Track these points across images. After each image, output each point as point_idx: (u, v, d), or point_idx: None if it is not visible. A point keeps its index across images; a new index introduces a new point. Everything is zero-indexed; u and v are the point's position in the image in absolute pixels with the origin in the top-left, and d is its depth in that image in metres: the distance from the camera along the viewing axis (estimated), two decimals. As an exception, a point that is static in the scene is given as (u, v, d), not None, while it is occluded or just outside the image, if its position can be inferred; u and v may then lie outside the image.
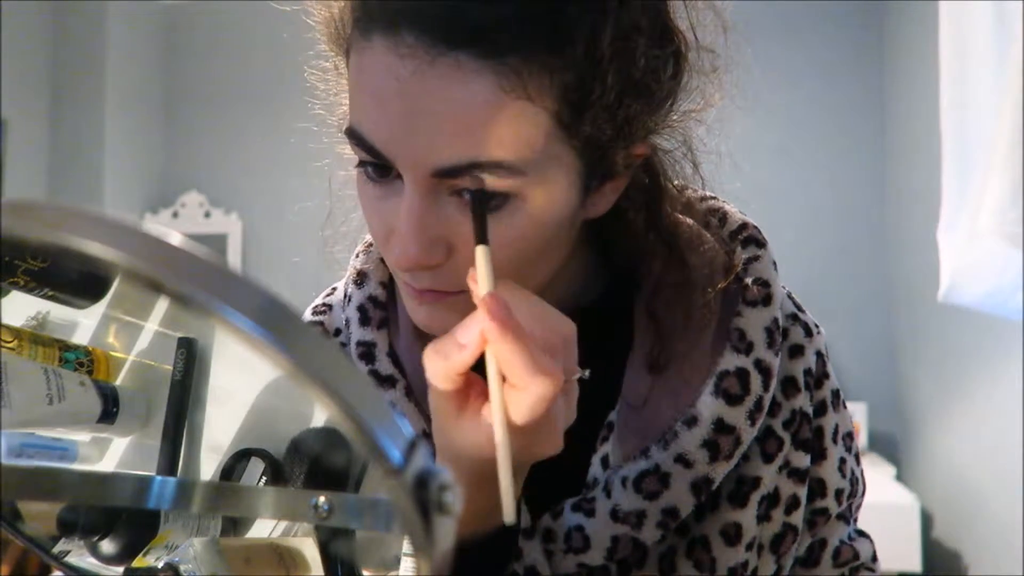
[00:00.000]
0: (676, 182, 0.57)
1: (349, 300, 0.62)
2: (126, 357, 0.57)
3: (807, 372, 0.58)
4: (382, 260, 0.61)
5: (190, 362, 0.55)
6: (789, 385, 0.58)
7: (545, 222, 0.46)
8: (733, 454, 0.54)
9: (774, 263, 0.59)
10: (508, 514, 0.40)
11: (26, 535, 0.49)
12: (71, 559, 0.51)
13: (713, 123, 0.53)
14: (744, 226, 0.60)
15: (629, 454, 0.54)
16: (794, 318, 0.60)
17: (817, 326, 0.61)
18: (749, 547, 0.56)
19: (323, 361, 0.23)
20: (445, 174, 0.44)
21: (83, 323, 0.58)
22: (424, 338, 0.56)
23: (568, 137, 0.45)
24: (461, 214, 0.45)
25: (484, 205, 0.44)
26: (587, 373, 0.44)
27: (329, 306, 0.65)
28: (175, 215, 3.15)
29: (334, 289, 0.67)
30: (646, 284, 0.58)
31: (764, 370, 0.55)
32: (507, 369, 0.40)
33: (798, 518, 0.58)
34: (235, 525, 0.54)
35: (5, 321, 0.53)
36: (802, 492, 0.58)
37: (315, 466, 0.49)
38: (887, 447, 2.76)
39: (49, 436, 0.54)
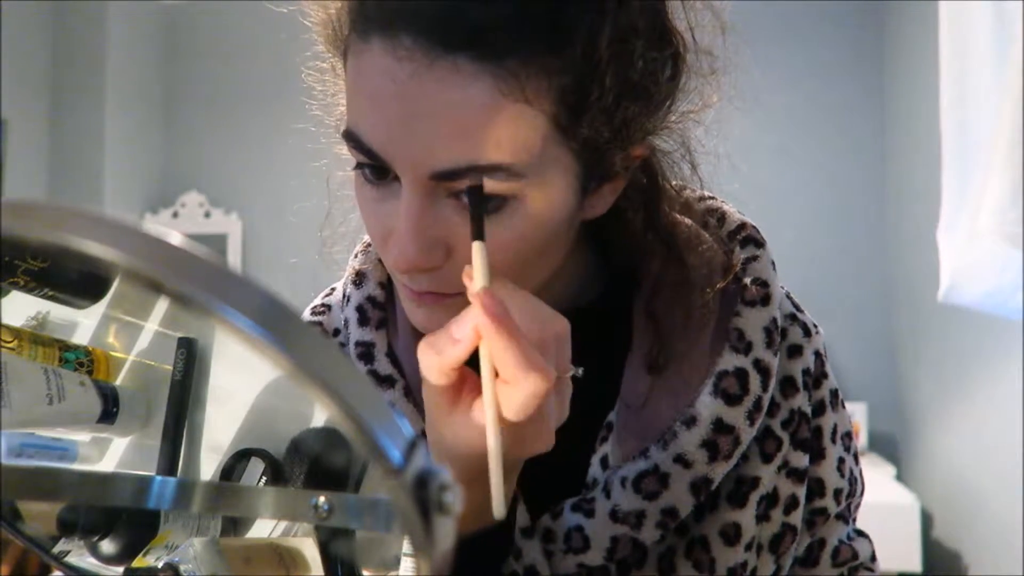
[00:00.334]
0: (674, 182, 0.57)
1: (348, 300, 0.62)
2: (126, 357, 0.58)
3: (806, 372, 0.59)
4: (380, 260, 0.61)
5: (190, 362, 0.55)
6: (788, 385, 0.58)
7: (543, 224, 0.46)
8: (732, 454, 0.54)
9: (773, 263, 0.59)
10: (497, 508, 0.40)
11: (26, 535, 0.49)
12: (71, 559, 0.51)
13: (712, 124, 0.53)
14: (743, 226, 0.60)
15: (628, 454, 0.54)
16: (793, 318, 0.60)
17: (816, 326, 0.61)
18: (748, 547, 0.56)
19: (323, 361, 0.23)
20: (443, 177, 0.44)
21: (83, 323, 0.58)
22: (422, 338, 0.56)
23: (566, 139, 0.45)
24: (459, 216, 0.45)
25: (481, 201, 0.44)
26: (580, 371, 0.44)
27: (328, 306, 0.65)
28: (175, 215, 3.15)
29: (333, 289, 0.67)
30: (645, 284, 0.58)
31: (763, 370, 0.55)
32: (500, 365, 0.40)
33: (797, 518, 0.58)
34: (235, 525, 0.54)
35: (5, 321, 0.53)
36: (801, 492, 0.58)
37: (315, 466, 0.49)
38: (887, 447, 2.76)
39: (49, 436, 0.54)
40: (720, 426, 0.53)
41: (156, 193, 3.19)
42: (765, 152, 2.73)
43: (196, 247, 0.23)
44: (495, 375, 0.41)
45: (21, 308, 0.56)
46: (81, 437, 0.56)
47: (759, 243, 0.59)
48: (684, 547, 0.55)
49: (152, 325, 0.57)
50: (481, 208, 0.44)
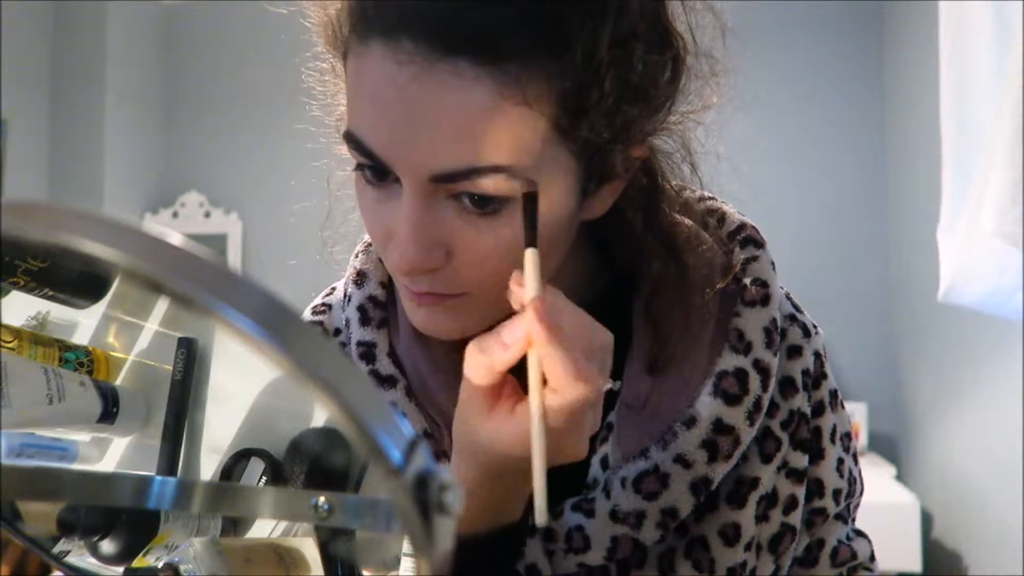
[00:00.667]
0: (674, 182, 0.57)
1: (349, 300, 0.62)
2: (126, 357, 0.58)
3: (805, 372, 0.59)
4: (381, 260, 0.61)
5: (190, 362, 0.55)
6: (787, 385, 0.58)
7: (543, 225, 0.46)
8: (732, 454, 0.54)
9: (772, 263, 0.59)
10: (540, 516, 0.40)
11: (26, 535, 0.49)
12: (71, 559, 0.51)
13: (712, 124, 0.53)
14: (742, 226, 0.60)
15: (628, 455, 0.54)
16: (792, 318, 0.60)
17: (815, 326, 0.61)
18: (747, 547, 0.56)
19: (323, 361, 0.23)
20: (444, 179, 0.44)
21: (83, 323, 0.58)
22: (423, 339, 0.56)
23: (566, 141, 0.45)
24: (460, 218, 0.46)
25: (534, 209, 0.44)
26: (618, 385, 0.45)
27: (329, 306, 0.65)
28: (175, 215, 3.15)
29: (333, 289, 0.67)
30: (644, 285, 0.58)
31: (762, 370, 0.55)
32: (549, 373, 0.40)
33: (796, 518, 0.58)
34: (235, 525, 0.54)
35: (5, 321, 0.53)
36: (800, 492, 0.58)
37: (315, 466, 0.49)
38: (887, 447, 2.76)
39: (49, 436, 0.54)
40: (720, 426, 0.53)
41: (156, 193, 3.18)
42: (765, 152, 2.72)
43: (196, 247, 0.23)
44: (543, 383, 0.41)
45: (21, 308, 0.56)
46: (81, 437, 0.56)
47: (759, 243, 0.59)
48: (684, 547, 0.55)
49: (152, 325, 0.57)
50: (534, 215, 0.44)
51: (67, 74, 2.90)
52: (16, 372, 0.48)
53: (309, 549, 0.50)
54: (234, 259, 3.11)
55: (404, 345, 0.59)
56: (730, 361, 0.55)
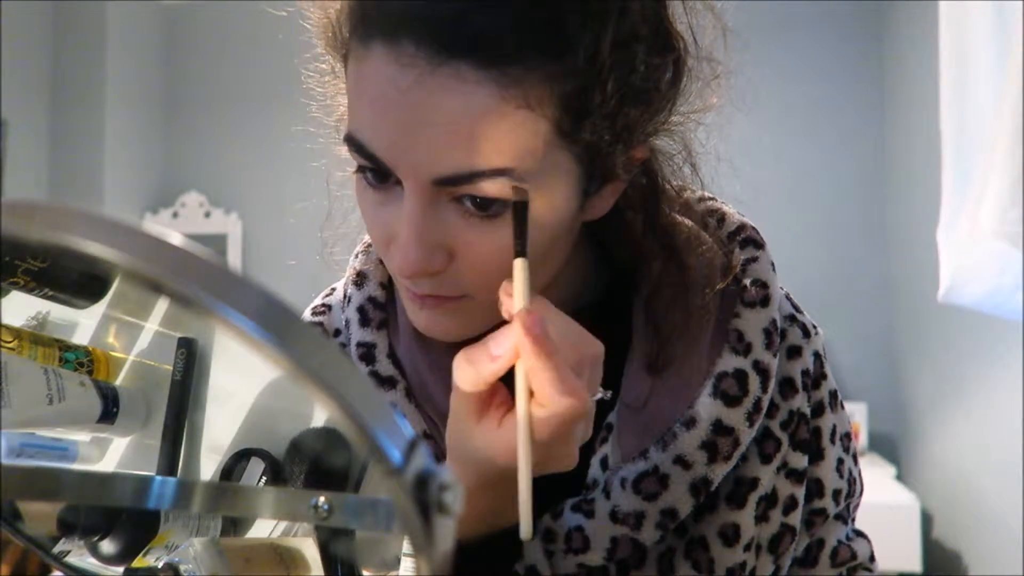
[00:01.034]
0: (674, 183, 0.57)
1: (349, 301, 0.62)
2: (126, 357, 0.57)
3: (805, 373, 0.59)
4: (381, 261, 0.61)
5: (190, 362, 0.55)
6: (787, 386, 0.58)
7: (545, 227, 0.47)
8: (731, 455, 0.54)
9: (772, 264, 0.59)
10: (525, 530, 0.40)
11: (26, 535, 0.49)
12: (71, 559, 0.51)
13: (713, 125, 0.53)
14: (742, 227, 0.60)
15: (628, 455, 0.54)
16: (792, 319, 0.60)
17: (815, 327, 0.61)
18: (747, 548, 0.56)
19: (323, 361, 0.23)
20: (446, 182, 0.44)
21: (83, 323, 0.58)
22: (423, 340, 0.56)
23: (568, 144, 0.45)
24: (461, 221, 0.46)
25: (525, 218, 0.44)
26: (608, 394, 0.45)
27: (328, 307, 0.65)
28: (175, 215, 3.15)
29: (333, 289, 0.67)
30: (644, 285, 0.58)
31: (762, 371, 0.55)
32: (536, 386, 0.40)
33: (796, 518, 0.58)
34: (235, 525, 0.54)
35: (5, 321, 0.53)
36: (800, 493, 0.58)
37: (315, 466, 0.49)
38: (887, 447, 2.76)
39: (49, 436, 0.54)
40: (719, 427, 0.53)
41: (156, 193, 3.18)
42: (765, 152, 2.72)
43: (196, 247, 0.23)
44: (530, 394, 0.41)
45: (21, 308, 0.56)
46: (81, 437, 0.56)
47: (759, 244, 0.59)
48: (683, 548, 0.55)
49: (152, 325, 0.57)
50: (525, 224, 0.44)
51: (67, 74, 2.90)
52: (16, 372, 0.48)
53: (309, 549, 0.50)
54: (234, 259, 3.11)
55: (404, 346, 0.59)
56: (730, 362, 0.55)
